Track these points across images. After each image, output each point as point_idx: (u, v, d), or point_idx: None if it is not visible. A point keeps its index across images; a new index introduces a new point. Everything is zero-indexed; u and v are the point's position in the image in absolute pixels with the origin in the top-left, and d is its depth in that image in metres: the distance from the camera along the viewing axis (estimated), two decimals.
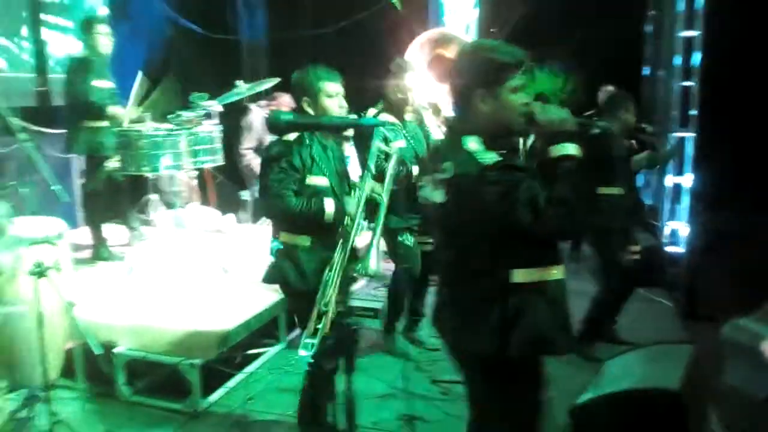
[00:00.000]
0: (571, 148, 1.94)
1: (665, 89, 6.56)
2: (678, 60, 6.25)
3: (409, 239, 4.03)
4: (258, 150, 6.27)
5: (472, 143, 1.98)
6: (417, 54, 4.80)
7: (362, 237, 2.53)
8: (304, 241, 2.86)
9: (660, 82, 6.82)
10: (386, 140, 3.25)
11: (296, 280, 2.84)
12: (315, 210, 2.80)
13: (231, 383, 3.79)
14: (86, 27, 4.89)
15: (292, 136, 2.87)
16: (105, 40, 4.87)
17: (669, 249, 6.01)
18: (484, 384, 2.13)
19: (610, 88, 5.66)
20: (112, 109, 4.82)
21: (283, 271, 2.87)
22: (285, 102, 6.18)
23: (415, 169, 3.87)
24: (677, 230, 6.21)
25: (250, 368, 3.99)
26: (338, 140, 3.09)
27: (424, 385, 3.74)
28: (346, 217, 2.79)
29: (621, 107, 4.19)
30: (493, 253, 1.99)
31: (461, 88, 2.08)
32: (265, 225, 6.11)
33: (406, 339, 4.31)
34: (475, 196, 1.94)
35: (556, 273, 2.04)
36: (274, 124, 1.77)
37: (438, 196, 2.05)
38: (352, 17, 7.22)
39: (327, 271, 2.54)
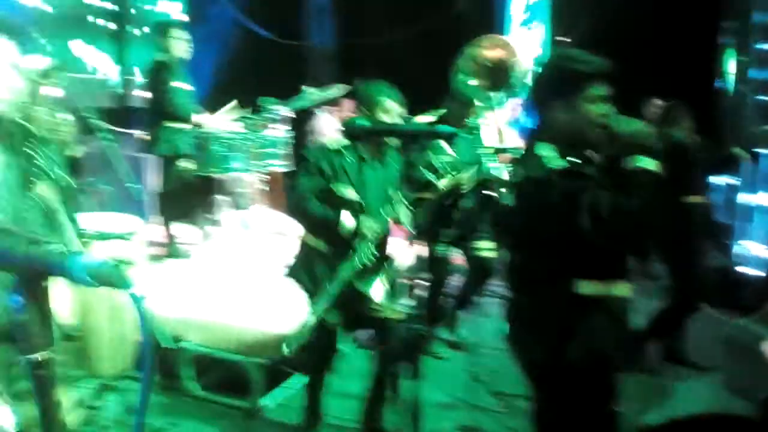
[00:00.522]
0: (647, 162, 1.90)
1: (742, 103, 6.34)
2: (754, 73, 6.04)
3: (443, 249, 4.02)
4: None
5: (545, 150, 1.97)
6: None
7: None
8: (321, 245, 2.91)
9: (736, 96, 6.59)
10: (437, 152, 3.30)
11: (306, 280, 2.92)
12: (331, 220, 2.84)
13: (291, 384, 3.84)
14: (162, 31, 5.07)
15: (332, 144, 2.93)
16: (181, 45, 5.04)
17: (741, 269, 5.79)
18: (546, 394, 2.11)
19: (658, 101, 5.49)
20: (200, 119, 5.01)
21: (297, 269, 2.97)
22: (350, 108, 6.25)
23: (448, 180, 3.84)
24: (750, 250, 5.98)
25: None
26: (382, 154, 3.09)
27: (485, 397, 3.71)
28: (368, 234, 2.83)
29: (682, 118, 4.08)
30: (557, 261, 1.97)
31: (541, 96, 2.09)
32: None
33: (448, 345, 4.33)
34: (539, 199, 1.95)
35: (621, 289, 2.00)
36: (349, 130, 1.81)
37: (508, 200, 2.08)
38: (421, 25, 7.25)
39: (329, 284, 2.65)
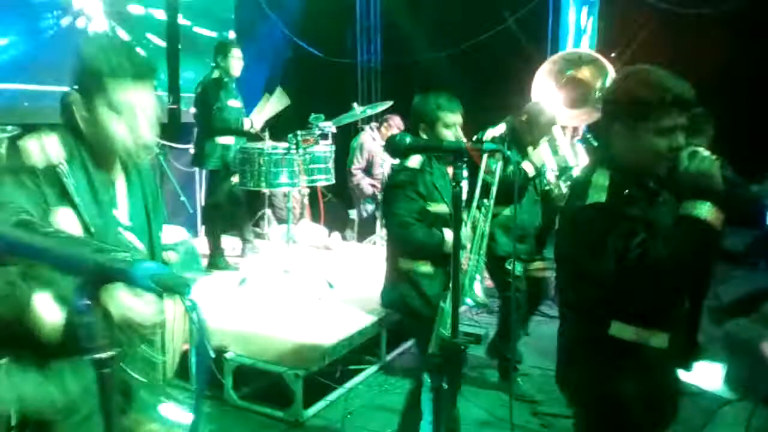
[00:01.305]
0: (701, 210, 1.70)
1: None
2: None
3: (518, 267, 3.98)
4: (367, 170, 6.42)
5: (599, 178, 1.82)
6: (547, 74, 4.70)
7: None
8: (426, 266, 2.89)
9: None
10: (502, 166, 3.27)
11: (420, 305, 2.85)
12: (436, 241, 2.82)
13: (331, 396, 3.87)
14: (222, 50, 5.24)
15: (415, 163, 2.89)
16: (237, 63, 5.20)
17: None
18: (580, 423, 2.05)
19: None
20: (246, 125, 5.16)
21: (405, 296, 2.90)
22: (396, 124, 6.32)
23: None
24: None
25: (350, 384, 4.05)
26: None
27: (525, 416, 3.67)
28: (467, 244, 2.83)
29: (705, 127, 3.94)
30: (593, 296, 1.85)
31: (604, 117, 1.92)
32: (371, 244, 6.23)
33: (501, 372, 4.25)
34: (570, 232, 1.87)
35: (657, 340, 1.82)
36: (395, 147, 1.82)
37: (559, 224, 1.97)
38: (468, 41, 7.28)
39: (443, 300, 2.60)
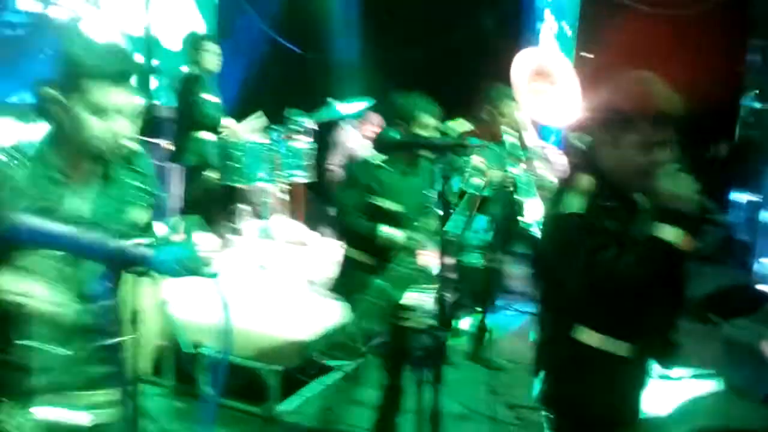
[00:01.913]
0: (668, 233, 1.66)
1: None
2: None
3: (475, 258, 4.03)
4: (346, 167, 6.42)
5: (581, 185, 1.80)
6: (517, 78, 4.75)
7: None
8: (368, 258, 2.94)
9: (763, 114, 6.52)
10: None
11: (349, 293, 2.97)
12: (373, 234, 2.89)
13: (308, 392, 3.87)
14: (194, 44, 5.18)
15: (372, 158, 2.96)
16: (213, 58, 5.15)
17: (761, 287, 5.70)
18: (545, 419, 2.05)
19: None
20: (224, 122, 5.12)
21: (340, 282, 3.00)
22: (375, 121, 6.31)
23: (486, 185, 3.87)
24: None
25: (326, 379, 4.06)
26: (416, 165, 3.14)
27: (500, 409, 3.70)
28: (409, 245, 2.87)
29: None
30: (562, 300, 1.87)
31: (591, 122, 1.90)
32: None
33: (473, 360, 4.35)
34: (546, 238, 1.89)
35: (620, 349, 1.82)
36: (382, 142, 1.84)
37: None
38: (445, 40, 7.30)
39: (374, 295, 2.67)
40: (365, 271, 2.96)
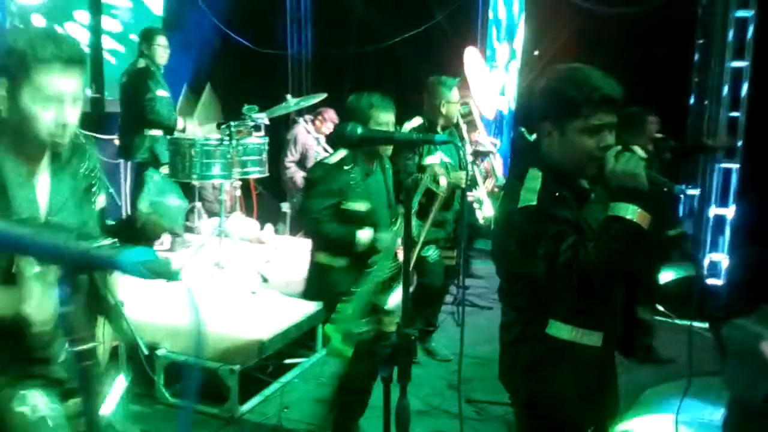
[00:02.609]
0: (627, 211, 1.69)
1: (712, 119, 6.50)
2: (726, 90, 6.20)
3: (434, 253, 4.07)
4: (301, 163, 6.38)
5: (531, 177, 1.82)
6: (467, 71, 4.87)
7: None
8: (341, 261, 2.93)
9: (706, 112, 6.75)
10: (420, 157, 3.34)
11: (327, 298, 2.93)
12: (348, 238, 2.87)
13: (267, 391, 3.84)
14: (147, 38, 5.07)
15: (334, 160, 2.95)
16: (163, 52, 5.05)
17: (709, 281, 5.92)
18: (517, 420, 2.10)
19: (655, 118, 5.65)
20: (179, 125, 5.03)
21: (314, 288, 2.99)
22: (330, 117, 6.30)
23: (442, 181, 3.91)
24: (719, 262, 6.11)
25: (286, 377, 4.04)
26: (388, 169, 3.16)
27: (457, 404, 3.74)
28: (383, 246, 2.88)
29: (645, 124, 4.16)
30: (531, 296, 1.87)
31: (534, 115, 1.91)
32: (304, 237, 6.20)
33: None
34: (504, 235, 1.87)
35: (592, 339, 1.85)
36: (346, 137, 1.80)
37: (496, 226, 1.96)
38: (399, 36, 7.32)
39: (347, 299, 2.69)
40: (341, 275, 2.92)
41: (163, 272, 0.98)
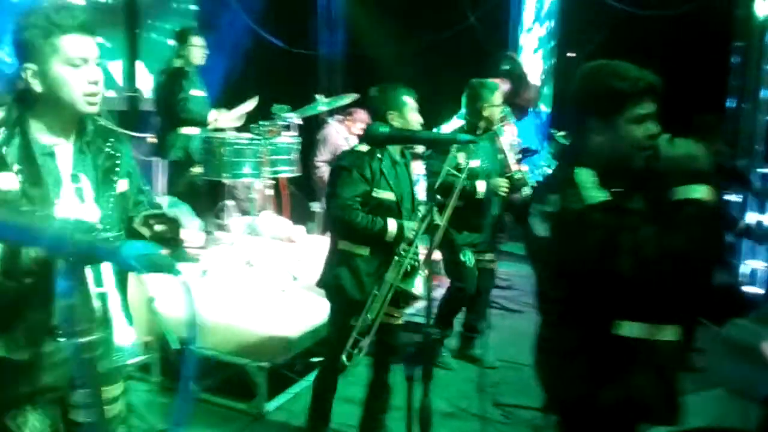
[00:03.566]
0: (699, 191, 1.67)
1: (750, 123, 6.36)
2: (765, 93, 6.07)
3: (469, 257, 4.04)
4: (331, 163, 6.40)
5: (584, 177, 1.80)
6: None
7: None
8: (364, 250, 2.92)
9: (745, 116, 6.61)
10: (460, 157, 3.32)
11: (352, 287, 2.91)
12: (378, 228, 2.86)
13: (295, 389, 3.86)
14: (181, 38, 5.14)
15: (364, 148, 2.93)
16: (199, 52, 5.12)
17: (746, 289, 5.79)
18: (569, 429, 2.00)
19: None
20: (211, 117, 5.09)
21: (340, 277, 2.94)
22: (360, 117, 6.31)
23: (482, 186, 3.89)
24: (757, 270, 5.97)
25: (313, 376, 4.04)
26: (408, 159, 3.16)
27: (486, 407, 3.72)
28: (405, 237, 2.86)
29: (718, 128, 4.14)
30: (596, 299, 1.79)
31: (575, 114, 1.90)
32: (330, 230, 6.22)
33: (461, 357, 4.36)
34: (576, 236, 1.77)
35: (669, 333, 1.80)
36: (372, 136, 1.81)
37: (543, 229, 1.86)
38: (430, 36, 7.31)
39: (377, 287, 2.67)
40: (367, 264, 2.91)
41: (164, 266, 0.99)
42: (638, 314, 1.78)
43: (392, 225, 2.88)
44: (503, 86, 4.16)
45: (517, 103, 5.41)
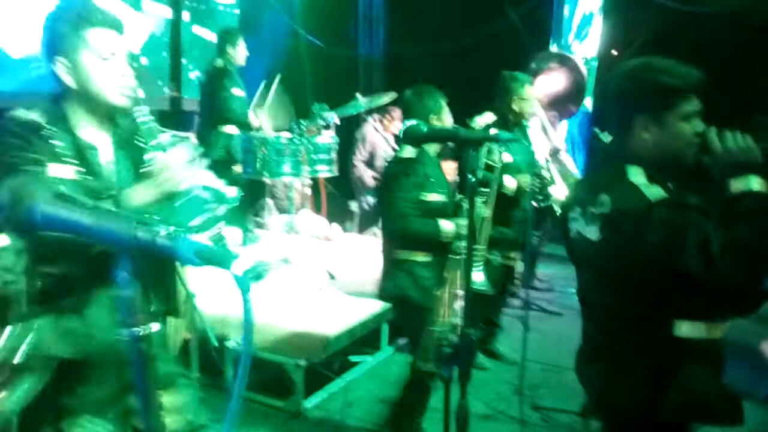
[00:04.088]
0: (755, 183, 1.68)
1: None
2: None
3: (496, 255, 4.00)
4: (369, 162, 6.41)
5: (637, 176, 1.77)
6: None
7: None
8: (424, 257, 2.91)
9: None
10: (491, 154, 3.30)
11: (416, 295, 2.89)
12: (433, 231, 2.86)
13: (331, 388, 3.87)
14: (229, 39, 5.22)
15: (410, 154, 2.93)
16: (243, 52, 5.19)
17: None
18: None
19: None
20: (251, 116, 5.16)
21: (401, 287, 2.92)
22: (398, 116, 6.30)
23: (512, 182, 3.84)
24: None
25: (350, 375, 4.06)
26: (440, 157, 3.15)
27: (524, 409, 3.67)
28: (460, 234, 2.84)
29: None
30: (653, 300, 1.75)
31: (620, 112, 1.87)
32: (372, 236, 6.24)
33: (482, 352, 4.31)
34: (637, 236, 1.71)
35: (722, 330, 1.78)
36: (413, 135, 1.81)
37: (592, 232, 1.81)
38: (470, 35, 7.26)
39: (439, 289, 2.62)
40: (428, 269, 2.91)
41: (219, 261, 0.99)
42: (700, 313, 1.75)
43: (448, 224, 2.88)
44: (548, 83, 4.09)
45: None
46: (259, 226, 5.97)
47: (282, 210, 6.14)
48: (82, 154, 1.76)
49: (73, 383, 1.79)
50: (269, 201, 6.09)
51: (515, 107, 3.95)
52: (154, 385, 1.08)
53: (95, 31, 1.75)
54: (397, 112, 6.32)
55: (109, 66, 1.77)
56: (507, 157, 3.76)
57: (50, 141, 1.72)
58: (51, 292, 1.74)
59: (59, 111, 1.78)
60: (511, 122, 3.99)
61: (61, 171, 1.71)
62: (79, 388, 1.79)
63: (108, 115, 1.84)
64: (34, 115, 1.74)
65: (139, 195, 1.79)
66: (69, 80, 1.76)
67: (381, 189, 3.00)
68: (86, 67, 1.75)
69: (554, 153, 4.59)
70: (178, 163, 1.82)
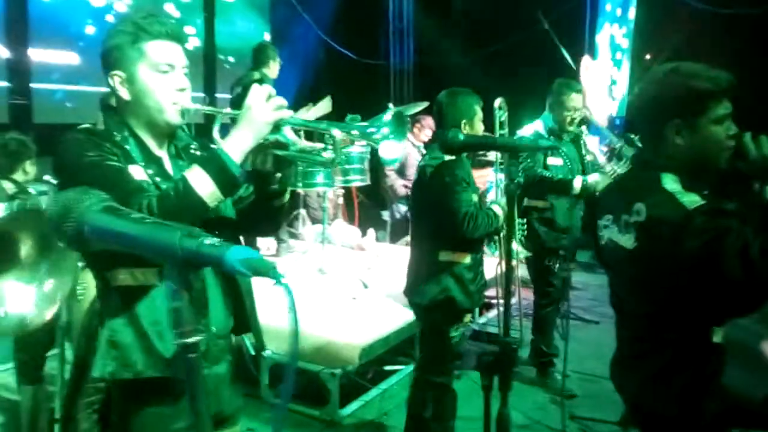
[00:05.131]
0: None
1: None
2: None
3: (556, 264, 3.97)
4: (400, 171, 6.42)
5: (672, 183, 1.73)
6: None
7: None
8: (467, 258, 2.90)
9: None
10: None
11: (461, 297, 2.87)
12: (494, 221, 2.86)
13: (367, 396, 3.87)
14: (261, 52, 5.29)
15: (454, 158, 2.86)
16: (277, 66, 5.26)
17: None
18: None
19: None
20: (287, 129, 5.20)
21: (449, 289, 2.87)
22: (428, 124, 6.31)
23: (578, 182, 3.81)
24: None
25: (385, 384, 4.06)
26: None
27: (563, 420, 3.63)
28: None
29: None
30: (692, 307, 1.72)
31: (652, 118, 1.84)
32: (404, 245, 6.24)
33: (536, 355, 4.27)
34: (675, 244, 1.66)
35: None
36: (450, 144, 1.81)
37: (626, 240, 1.77)
38: (500, 43, 7.25)
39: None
40: (470, 270, 2.91)
41: (265, 271, 1.00)
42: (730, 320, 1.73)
43: (498, 209, 2.91)
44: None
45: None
46: (293, 236, 6.01)
47: (315, 220, 6.18)
48: (151, 159, 1.72)
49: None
50: (303, 211, 6.13)
51: (566, 115, 3.94)
52: (205, 400, 1.07)
53: (153, 44, 1.69)
54: (427, 121, 6.33)
55: (167, 80, 1.70)
56: (556, 161, 3.77)
57: (124, 146, 1.68)
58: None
59: (122, 122, 1.74)
60: (563, 130, 3.97)
61: (137, 172, 1.66)
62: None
63: (163, 131, 1.77)
64: (102, 125, 1.72)
65: (237, 142, 1.68)
66: (125, 93, 1.71)
67: (433, 195, 2.92)
68: (143, 81, 1.69)
69: (615, 152, 4.51)
70: (263, 99, 1.70)
